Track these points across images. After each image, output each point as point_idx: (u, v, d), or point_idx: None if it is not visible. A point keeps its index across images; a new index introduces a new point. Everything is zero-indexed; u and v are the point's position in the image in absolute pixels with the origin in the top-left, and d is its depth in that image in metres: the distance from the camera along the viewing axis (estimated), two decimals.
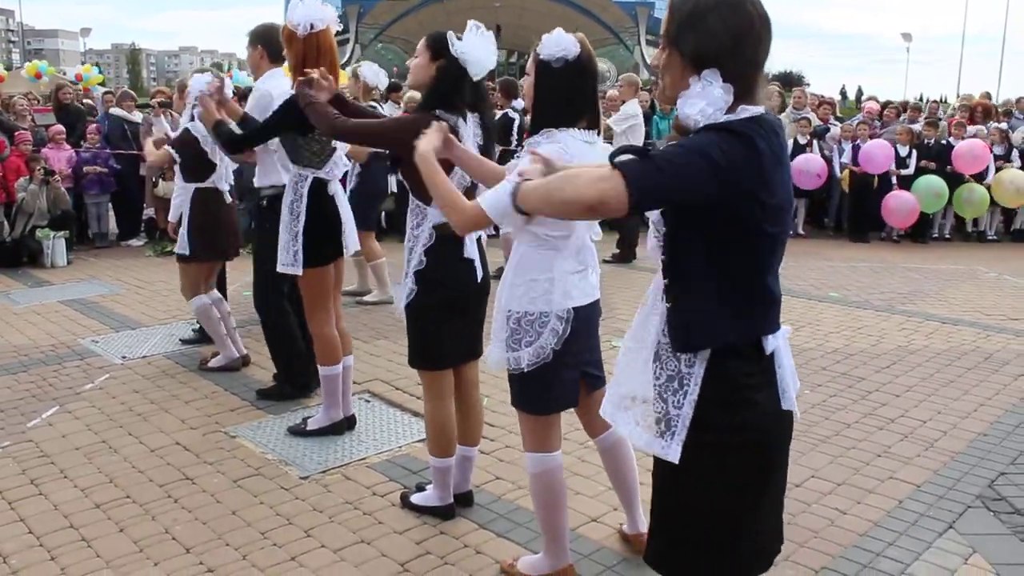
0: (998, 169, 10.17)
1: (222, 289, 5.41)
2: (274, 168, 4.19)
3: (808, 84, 20.59)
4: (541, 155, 2.00)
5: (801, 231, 10.38)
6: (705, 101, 1.62)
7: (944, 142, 10.27)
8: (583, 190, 1.59)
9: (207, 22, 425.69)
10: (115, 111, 9.60)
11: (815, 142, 10.30)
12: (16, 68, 20.16)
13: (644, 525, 3.00)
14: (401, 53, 40.19)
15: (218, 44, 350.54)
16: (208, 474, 3.63)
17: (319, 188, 3.79)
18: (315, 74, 3.17)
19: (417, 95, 3.16)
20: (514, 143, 7.97)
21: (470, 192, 2.85)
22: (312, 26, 3.63)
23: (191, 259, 4.96)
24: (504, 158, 4.07)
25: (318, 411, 4.09)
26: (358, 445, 3.94)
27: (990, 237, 10.65)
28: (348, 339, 4.11)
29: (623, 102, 8.49)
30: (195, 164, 4.87)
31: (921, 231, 10.33)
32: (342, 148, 3.84)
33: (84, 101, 11.30)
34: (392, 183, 7.01)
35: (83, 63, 27.84)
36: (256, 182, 4.31)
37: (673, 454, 1.71)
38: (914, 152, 10.10)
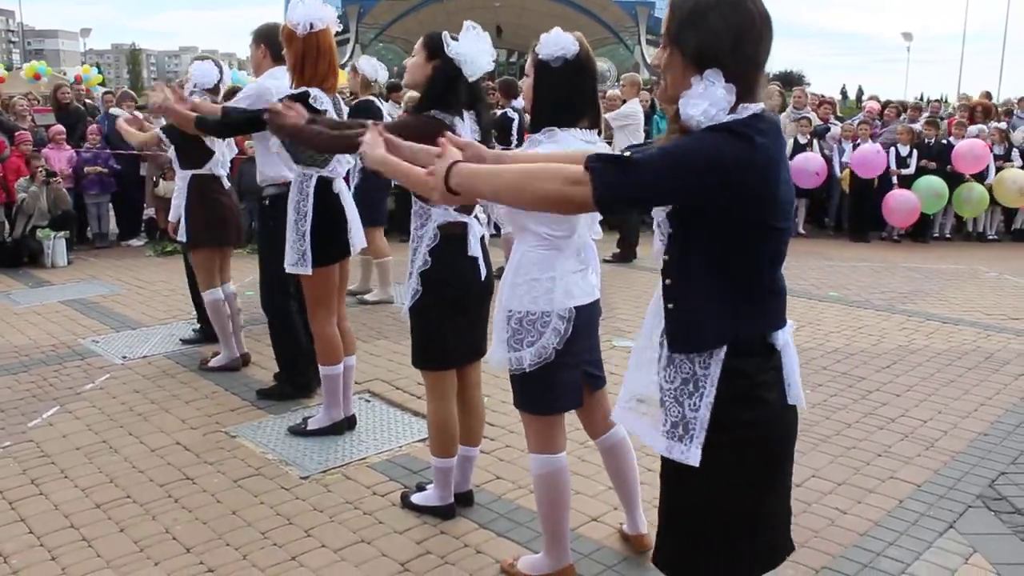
0: (998, 169, 10.17)
1: None
2: (274, 162, 4.19)
3: (808, 84, 20.62)
4: (456, 139, 2.01)
5: (802, 231, 10.38)
6: (708, 102, 1.62)
7: (945, 141, 10.27)
8: (554, 190, 1.66)
9: (207, 22, 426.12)
10: (115, 111, 9.60)
11: (815, 141, 10.30)
12: (16, 68, 20.16)
13: (645, 526, 3.01)
14: (401, 53, 40.14)
15: (218, 44, 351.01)
16: (208, 474, 3.63)
17: (324, 187, 3.80)
18: (277, 106, 3.10)
19: (416, 95, 3.16)
20: (514, 142, 7.96)
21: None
22: (312, 26, 3.64)
23: (193, 246, 4.95)
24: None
25: (318, 411, 4.09)
26: (358, 445, 3.94)
27: (990, 237, 10.65)
28: (351, 339, 4.11)
29: (623, 101, 8.49)
30: (192, 149, 4.79)
31: (922, 231, 10.33)
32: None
33: (86, 101, 11.30)
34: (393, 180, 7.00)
35: (83, 63, 27.86)
36: (258, 179, 4.31)
37: (694, 458, 1.70)
38: (915, 152, 10.09)
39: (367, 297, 6.72)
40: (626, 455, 2.92)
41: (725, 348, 1.69)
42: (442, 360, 3.08)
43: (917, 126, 10.56)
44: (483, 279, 3.07)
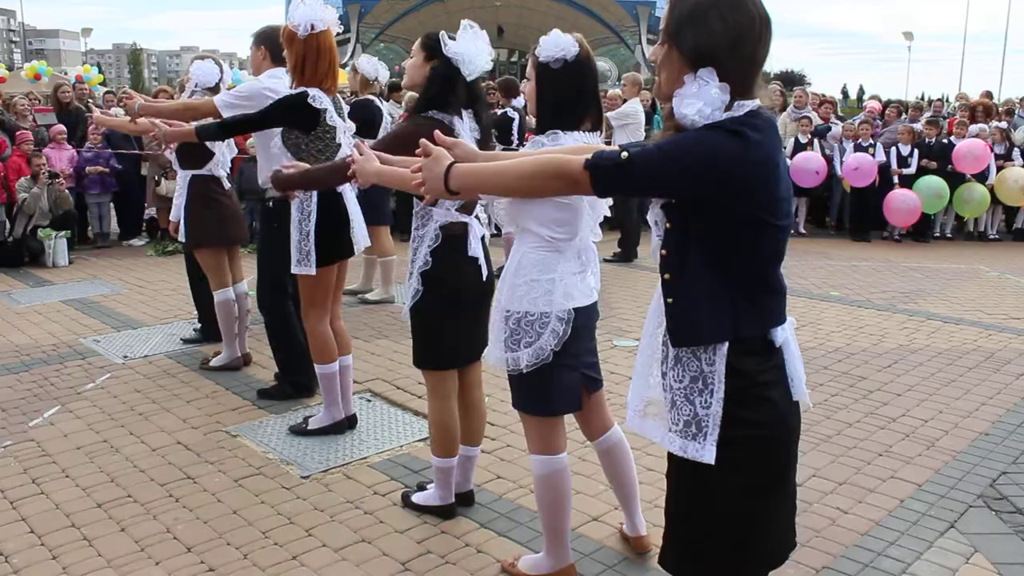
0: (999, 168, 10.16)
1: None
2: (276, 164, 4.19)
3: (809, 83, 20.60)
4: (444, 139, 2.06)
5: (802, 230, 10.37)
6: (702, 101, 1.62)
7: (946, 141, 10.26)
8: (557, 186, 1.77)
9: (208, 22, 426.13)
10: (116, 111, 9.60)
11: (816, 141, 10.30)
12: (17, 68, 20.18)
13: (644, 527, 3.00)
14: (402, 52, 40.18)
15: (219, 44, 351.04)
16: (209, 473, 3.63)
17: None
18: (279, 170, 3.12)
19: (415, 95, 3.16)
20: (514, 142, 7.96)
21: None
22: (312, 27, 3.65)
23: (194, 247, 4.95)
24: None
25: (319, 410, 4.10)
26: (359, 444, 3.94)
27: (992, 236, 10.64)
28: (345, 339, 4.11)
29: (624, 101, 8.48)
30: (191, 150, 4.79)
31: (923, 230, 10.32)
32: (347, 145, 3.85)
33: (88, 102, 11.28)
34: None
35: (84, 63, 27.88)
36: (260, 181, 4.31)
37: (708, 455, 1.70)
38: (915, 151, 10.09)
39: (368, 296, 6.72)
40: (624, 456, 2.92)
41: (728, 344, 1.69)
42: (442, 360, 3.09)
43: (918, 126, 10.55)
44: (484, 279, 3.07)
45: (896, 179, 9.98)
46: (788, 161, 8.80)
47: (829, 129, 10.60)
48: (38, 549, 3.03)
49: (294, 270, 3.80)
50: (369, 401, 4.52)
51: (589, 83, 2.59)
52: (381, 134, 5.60)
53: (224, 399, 4.53)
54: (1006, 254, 9.54)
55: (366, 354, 5.23)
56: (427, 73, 2.99)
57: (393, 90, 9.07)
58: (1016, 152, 10.41)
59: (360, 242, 3.99)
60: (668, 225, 1.72)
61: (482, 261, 3.05)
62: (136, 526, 3.19)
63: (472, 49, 2.91)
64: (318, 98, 3.67)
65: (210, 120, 4.09)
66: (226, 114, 4.05)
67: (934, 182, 9.77)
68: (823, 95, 12.07)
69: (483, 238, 3.10)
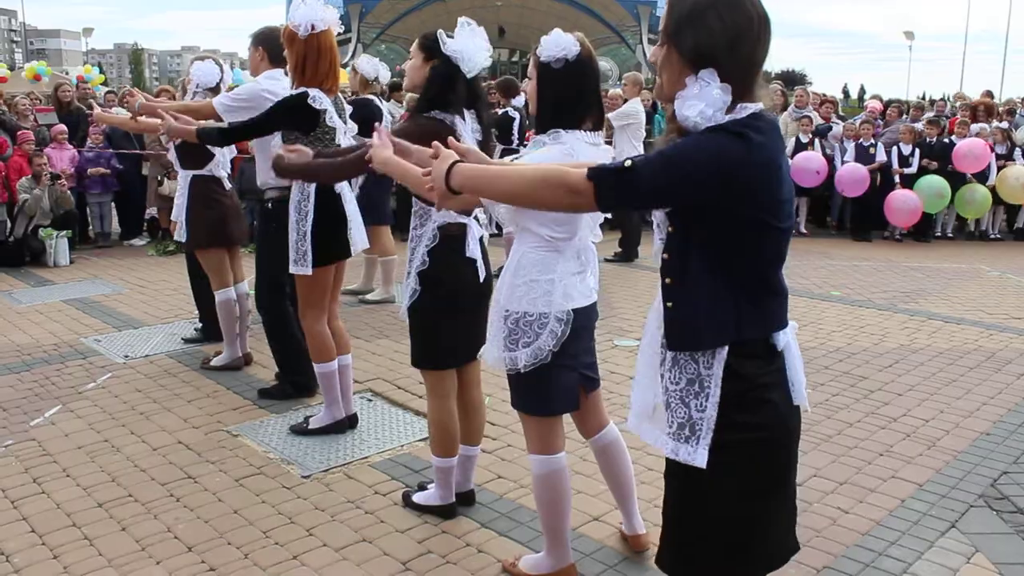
0: (1000, 168, 10.14)
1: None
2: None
3: (810, 83, 20.59)
4: (458, 145, 2.06)
5: (803, 230, 10.37)
6: (704, 103, 1.61)
7: (947, 140, 10.25)
8: (557, 198, 1.71)
9: (209, 22, 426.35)
10: (118, 110, 9.60)
11: (817, 141, 10.29)
12: (18, 68, 20.19)
13: (642, 525, 3.01)
14: (403, 52, 40.19)
15: (220, 44, 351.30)
16: (210, 473, 3.63)
17: (326, 187, 3.80)
18: (280, 151, 3.10)
19: (416, 96, 3.16)
20: (515, 141, 7.96)
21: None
22: (313, 27, 3.65)
23: (195, 247, 4.95)
24: (505, 157, 4.08)
25: (320, 410, 4.10)
26: (360, 444, 3.94)
27: (993, 236, 10.63)
28: (344, 338, 4.11)
29: (625, 100, 8.48)
30: (192, 150, 4.78)
31: (924, 230, 10.31)
32: (346, 145, 3.85)
33: (91, 101, 11.28)
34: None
35: (85, 63, 27.90)
36: (259, 181, 4.32)
37: (700, 459, 1.69)
38: (916, 151, 10.08)
39: (369, 297, 6.73)
40: (620, 455, 2.92)
41: (727, 348, 1.69)
42: (440, 359, 3.09)
43: (919, 125, 10.54)
44: (481, 281, 3.07)
45: (897, 179, 9.97)
46: (789, 162, 8.78)
47: (830, 129, 10.60)
48: (39, 548, 3.04)
49: (291, 270, 3.80)
50: (370, 401, 4.52)
51: (590, 83, 2.59)
52: None
53: (225, 399, 4.54)
54: (1007, 254, 9.53)
55: (367, 353, 5.23)
56: (427, 74, 2.98)
57: (394, 90, 9.08)
58: (1017, 152, 10.40)
59: (358, 243, 3.98)
60: (670, 229, 1.72)
61: (480, 263, 3.05)
62: (137, 525, 3.19)
63: (471, 46, 2.91)
64: (318, 99, 3.68)
65: (212, 123, 4.09)
66: (225, 117, 4.05)
67: (935, 182, 9.76)
68: (824, 95, 12.07)
69: (481, 239, 3.10)
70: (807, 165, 9.69)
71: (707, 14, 1.62)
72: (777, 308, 1.74)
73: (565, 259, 2.57)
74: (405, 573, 2.89)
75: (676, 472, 1.76)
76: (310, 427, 4.03)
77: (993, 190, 10.04)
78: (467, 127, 2.98)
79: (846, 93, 51.13)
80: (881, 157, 10.02)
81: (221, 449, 3.88)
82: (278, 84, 4.10)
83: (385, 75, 6.98)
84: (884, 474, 3.67)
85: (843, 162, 10.16)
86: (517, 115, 8.15)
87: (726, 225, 1.64)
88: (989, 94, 12.89)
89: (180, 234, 4.95)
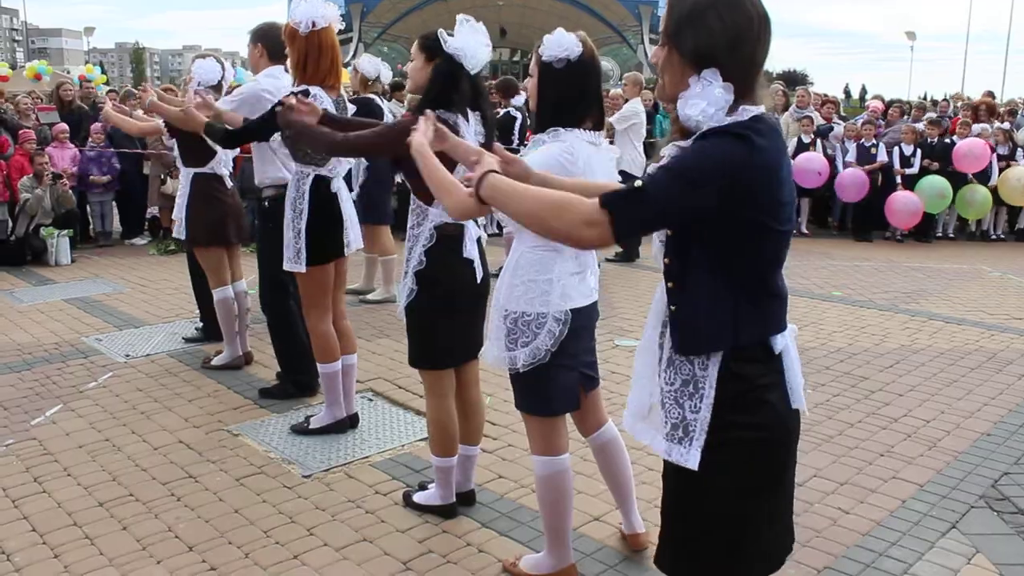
0: (1002, 169, 10.13)
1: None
2: (272, 162, 4.20)
3: (812, 83, 20.61)
4: (505, 154, 2.02)
5: (805, 230, 10.36)
6: (706, 102, 1.61)
7: (948, 140, 10.24)
8: (571, 230, 1.65)
9: (210, 21, 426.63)
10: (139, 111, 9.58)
11: (818, 141, 10.29)
12: (20, 67, 20.20)
13: (641, 524, 3.01)
14: (405, 52, 40.20)
15: (221, 43, 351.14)
16: (211, 472, 3.64)
17: (321, 185, 3.80)
18: (292, 100, 3.11)
19: (419, 96, 3.15)
20: (515, 141, 7.96)
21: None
22: (314, 24, 3.65)
23: (194, 245, 4.95)
24: None
25: (321, 409, 4.10)
26: (361, 444, 3.94)
27: (994, 236, 10.63)
28: (350, 338, 4.11)
29: (626, 100, 8.47)
30: (194, 147, 4.77)
31: (925, 230, 10.30)
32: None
33: (93, 100, 11.28)
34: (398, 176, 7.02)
35: (87, 62, 27.90)
36: (256, 179, 4.32)
37: (693, 460, 1.69)
38: (918, 151, 10.07)
39: (369, 297, 6.73)
40: (618, 453, 2.92)
41: (724, 350, 1.68)
42: (438, 359, 3.08)
43: (920, 125, 10.54)
44: (479, 281, 3.07)
45: (899, 179, 9.97)
46: (792, 164, 8.77)
47: (831, 129, 10.59)
48: (40, 548, 3.04)
49: (286, 267, 3.80)
50: (371, 400, 4.52)
51: (592, 82, 2.59)
52: None
53: (226, 398, 4.54)
54: (1008, 254, 9.53)
55: (368, 353, 5.23)
56: (430, 73, 2.98)
57: (395, 89, 9.08)
58: (1019, 152, 10.39)
59: (352, 242, 3.97)
60: (670, 232, 1.72)
61: (477, 263, 3.05)
62: (138, 525, 3.19)
63: (472, 43, 2.91)
64: (319, 97, 3.67)
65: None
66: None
67: (937, 182, 9.76)
68: (825, 95, 12.06)
69: (479, 240, 3.09)
70: (809, 166, 9.69)
71: (707, 14, 1.62)
72: (777, 310, 1.74)
73: (563, 259, 2.56)
74: (406, 573, 2.89)
75: (674, 472, 1.76)
76: (311, 427, 4.03)
77: (995, 191, 10.03)
78: (470, 128, 2.98)
79: (847, 93, 51.16)
80: (882, 157, 10.01)
81: (222, 448, 3.88)
82: (278, 82, 4.10)
83: (387, 75, 6.97)
84: (885, 474, 3.67)
85: (844, 163, 10.16)
86: (519, 115, 8.15)
87: (726, 227, 1.64)
88: (991, 94, 12.88)
89: (179, 231, 4.94)
